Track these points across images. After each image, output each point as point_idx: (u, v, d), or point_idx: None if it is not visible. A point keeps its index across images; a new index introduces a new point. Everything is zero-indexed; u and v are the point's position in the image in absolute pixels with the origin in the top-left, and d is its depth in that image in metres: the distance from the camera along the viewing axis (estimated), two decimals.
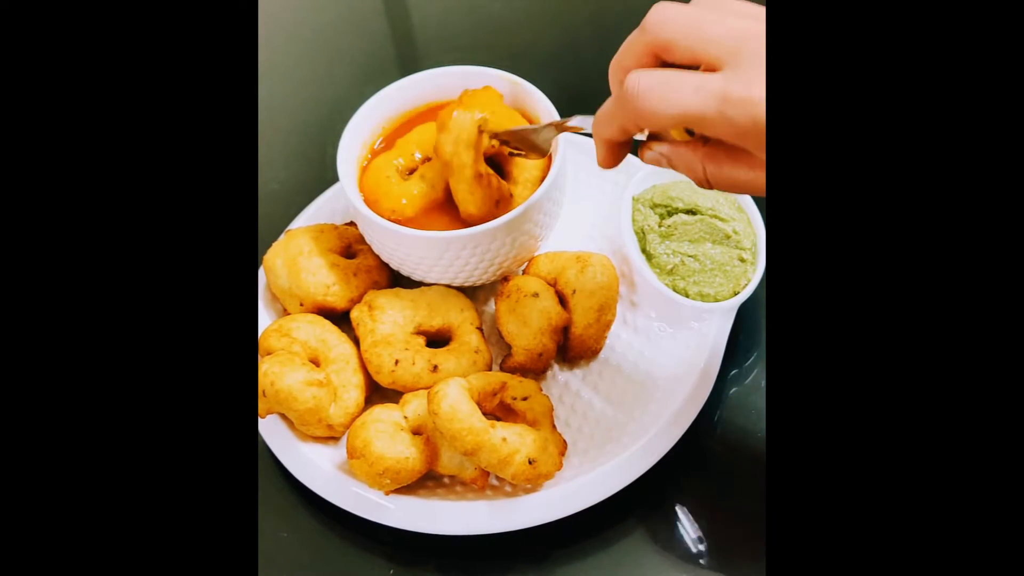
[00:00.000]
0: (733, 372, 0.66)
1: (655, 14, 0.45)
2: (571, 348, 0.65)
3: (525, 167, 0.67)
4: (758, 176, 0.45)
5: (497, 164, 0.68)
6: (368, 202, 0.66)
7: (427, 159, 0.68)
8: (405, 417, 0.61)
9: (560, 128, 0.59)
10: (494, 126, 0.63)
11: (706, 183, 0.47)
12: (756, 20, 0.42)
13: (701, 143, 0.46)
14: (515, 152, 0.64)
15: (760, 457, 0.61)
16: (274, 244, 0.69)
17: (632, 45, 0.46)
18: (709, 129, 0.43)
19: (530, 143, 0.62)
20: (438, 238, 0.62)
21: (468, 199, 0.63)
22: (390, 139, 0.71)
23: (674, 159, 0.48)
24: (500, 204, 0.65)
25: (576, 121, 0.56)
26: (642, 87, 0.44)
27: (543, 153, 0.62)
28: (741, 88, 0.41)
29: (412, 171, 0.68)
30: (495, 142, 0.64)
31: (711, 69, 0.43)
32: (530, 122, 0.68)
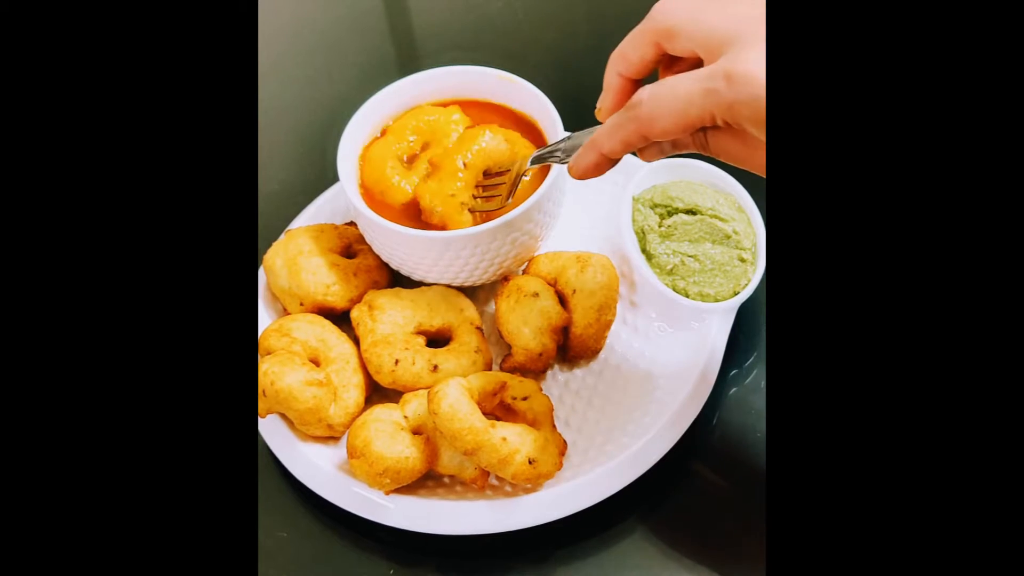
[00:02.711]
0: (733, 372, 0.66)
1: (660, 4, 0.48)
2: (571, 348, 0.65)
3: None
4: (757, 155, 0.46)
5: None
6: (372, 193, 0.66)
7: (425, 145, 0.69)
8: (405, 417, 0.61)
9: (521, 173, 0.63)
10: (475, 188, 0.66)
11: (707, 151, 0.49)
12: (756, 6, 0.44)
13: (702, 131, 0.48)
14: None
15: (760, 457, 0.61)
16: (274, 244, 0.69)
17: (636, 34, 0.49)
18: (714, 116, 0.44)
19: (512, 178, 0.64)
20: (438, 238, 0.62)
21: None
22: None
23: (678, 143, 0.50)
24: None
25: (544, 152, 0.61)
26: (646, 94, 0.46)
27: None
28: (742, 66, 0.42)
29: (412, 157, 0.68)
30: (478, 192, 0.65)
31: (712, 58, 0.44)
32: (526, 121, 0.70)
